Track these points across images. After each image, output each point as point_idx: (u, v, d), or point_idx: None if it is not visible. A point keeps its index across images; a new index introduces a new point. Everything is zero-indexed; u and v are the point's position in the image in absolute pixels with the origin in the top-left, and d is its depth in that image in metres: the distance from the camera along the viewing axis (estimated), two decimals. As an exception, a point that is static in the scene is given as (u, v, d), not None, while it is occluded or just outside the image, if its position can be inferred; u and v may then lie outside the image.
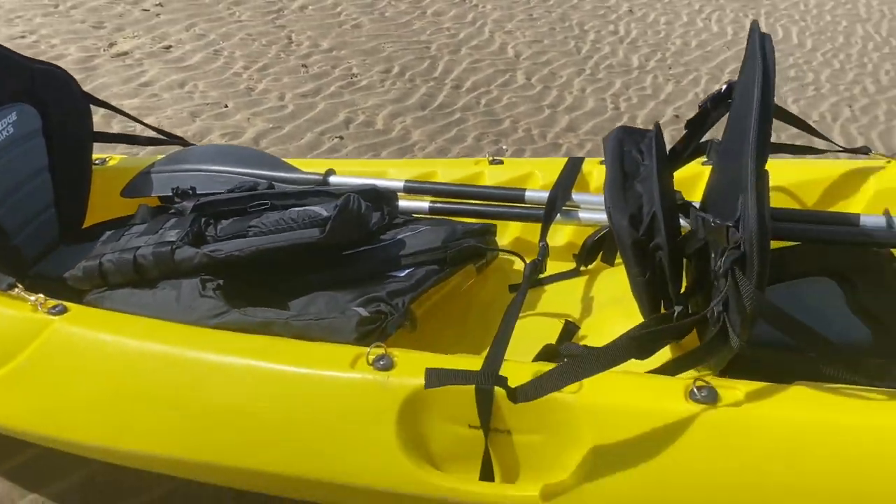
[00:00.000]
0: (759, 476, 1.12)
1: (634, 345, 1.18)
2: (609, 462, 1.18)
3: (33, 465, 2.06)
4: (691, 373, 1.25)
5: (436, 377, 1.25)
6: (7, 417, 1.60)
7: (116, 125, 3.51)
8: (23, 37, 4.53)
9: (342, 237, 1.56)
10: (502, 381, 1.22)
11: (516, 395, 1.20)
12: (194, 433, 1.42)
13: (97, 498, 2.00)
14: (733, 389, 1.16)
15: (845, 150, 1.80)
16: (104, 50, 4.51)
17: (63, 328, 1.51)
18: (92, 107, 2.23)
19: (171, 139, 2.39)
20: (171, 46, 4.68)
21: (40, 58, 2.22)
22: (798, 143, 1.90)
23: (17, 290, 1.58)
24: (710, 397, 1.14)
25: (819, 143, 2.03)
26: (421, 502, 1.31)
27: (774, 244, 1.62)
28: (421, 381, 1.25)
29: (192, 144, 2.32)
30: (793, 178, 1.77)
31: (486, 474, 1.26)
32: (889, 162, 1.77)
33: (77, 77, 2.20)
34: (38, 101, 2.04)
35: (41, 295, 1.57)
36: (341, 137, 3.85)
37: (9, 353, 1.54)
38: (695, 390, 1.16)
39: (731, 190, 1.25)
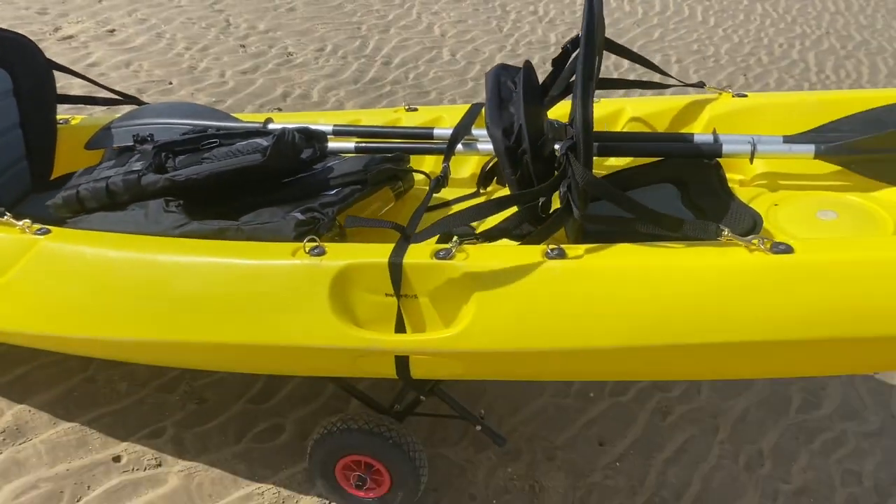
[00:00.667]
0: (593, 306, 1.51)
1: (500, 201, 1.59)
2: (490, 308, 1.57)
3: (21, 381, 2.38)
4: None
5: (354, 221, 1.66)
6: (3, 322, 1.92)
7: (77, 90, 3.77)
8: (-32, 23, 4.73)
9: (280, 161, 1.91)
10: (404, 247, 1.60)
11: (411, 238, 1.59)
12: (162, 318, 1.76)
13: (76, 406, 2.32)
14: (576, 249, 1.56)
15: (685, 85, 2.23)
16: (50, 34, 4.74)
17: (48, 245, 1.83)
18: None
19: (127, 99, 2.70)
20: (114, 30, 4.92)
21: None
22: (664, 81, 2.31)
23: (6, 216, 1.89)
24: (559, 254, 1.54)
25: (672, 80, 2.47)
26: (352, 354, 1.68)
27: (635, 161, 2.06)
28: (348, 262, 1.62)
29: (147, 104, 2.63)
30: (648, 110, 2.20)
31: (400, 328, 1.63)
32: (720, 94, 2.20)
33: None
34: (7, 64, 2.33)
35: (27, 220, 1.88)
36: (280, 109, 4.17)
37: (1, 269, 1.86)
38: (549, 251, 1.55)
39: None
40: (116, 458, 2.17)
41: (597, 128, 2.14)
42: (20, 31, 2.41)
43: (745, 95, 2.16)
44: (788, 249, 1.42)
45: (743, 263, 1.43)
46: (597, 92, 1.79)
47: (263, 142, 1.92)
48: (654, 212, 1.49)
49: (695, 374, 1.86)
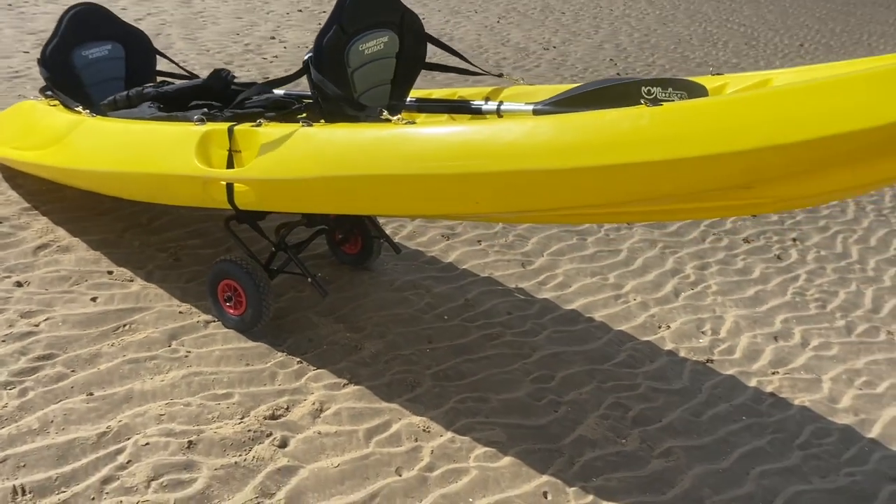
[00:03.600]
0: (318, 154, 2.52)
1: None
2: (265, 154, 2.62)
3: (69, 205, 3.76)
4: None
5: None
6: (63, 162, 3.28)
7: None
8: None
9: (214, 84, 3.13)
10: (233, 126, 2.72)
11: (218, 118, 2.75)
12: (120, 158, 3.01)
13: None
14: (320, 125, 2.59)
15: (490, 74, 3.16)
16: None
17: (91, 121, 3.20)
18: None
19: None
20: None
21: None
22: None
23: (78, 107, 3.31)
24: (309, 126, 2.58)
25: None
26: (200, 182, 2.79)
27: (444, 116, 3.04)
28: (210, 128, 2.77)
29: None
30: (471, 92, 3.15)
31: (230, 165, 2.73)
32: (516, 82, 3.10)
33: None
34: (400, 33, 3.00)
35: (85, 109, 3.28)
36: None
37: (66, 131, 3.25)
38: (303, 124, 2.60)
39: None
40: (109, 272, 3.43)
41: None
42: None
43: (534, 84, 3.04)
44: (413, 123, 2.35)
45: (387, 130, 2.39)
46: (423, 73, 2.83)
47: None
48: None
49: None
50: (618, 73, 8.10)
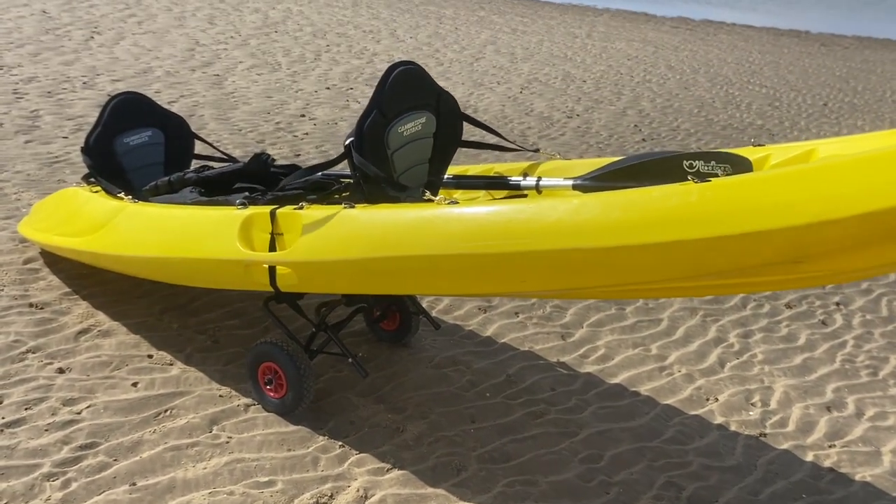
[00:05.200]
0: (358, 236, 2.52)
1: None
2: (307, 238, 2.62)
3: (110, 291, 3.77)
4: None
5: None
6: (106, 248, 3.31)
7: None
8: None
9: (254, 167, 3.17)
10: (275, 210, 2.74)
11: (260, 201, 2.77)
12: (162, 243, 3.03)
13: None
14: (362, 207, 2.58)
15: (526, 150, 3.16)
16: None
17: (133, 207, 3.24)
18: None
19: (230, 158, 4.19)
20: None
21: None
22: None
23: (119, 193, 3.36)
24: (353, 207, 2.58)
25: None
26: (242, 265, 2.79)
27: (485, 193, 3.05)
28: (253, 212, 2.79)
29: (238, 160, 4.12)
30: (507, 167, 3.16)
31: (272, 248, 2.74)
32: (551, 157, 3.10)
33: None
34: (437, 113, 2.99)
35: (127, 195, 3.33)
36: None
37: (109, 217, 3.29)
38: (345, 206, 2.60)
39: None
40: (150, 356, 3.42)
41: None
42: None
43: (570, 159, 3.05)
44: (456, 203, 2.35)
45: (429, 210, 2.38)
46: (460, 150, 2.85)
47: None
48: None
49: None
50: (643, 140, 8.14)
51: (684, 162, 2.50)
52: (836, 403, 3.62)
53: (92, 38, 9.96)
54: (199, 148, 4.27)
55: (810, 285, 2.28)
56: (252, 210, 2.83)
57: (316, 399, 3.19)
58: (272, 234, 2.74)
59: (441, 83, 9.62)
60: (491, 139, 6.12)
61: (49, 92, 7.31)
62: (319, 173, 3.44)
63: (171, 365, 3.36)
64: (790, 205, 1.90)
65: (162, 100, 7.41)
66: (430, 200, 2.43)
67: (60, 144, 5.99)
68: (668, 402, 3.48)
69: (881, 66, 16.52)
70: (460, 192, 3.21)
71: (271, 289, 2.81)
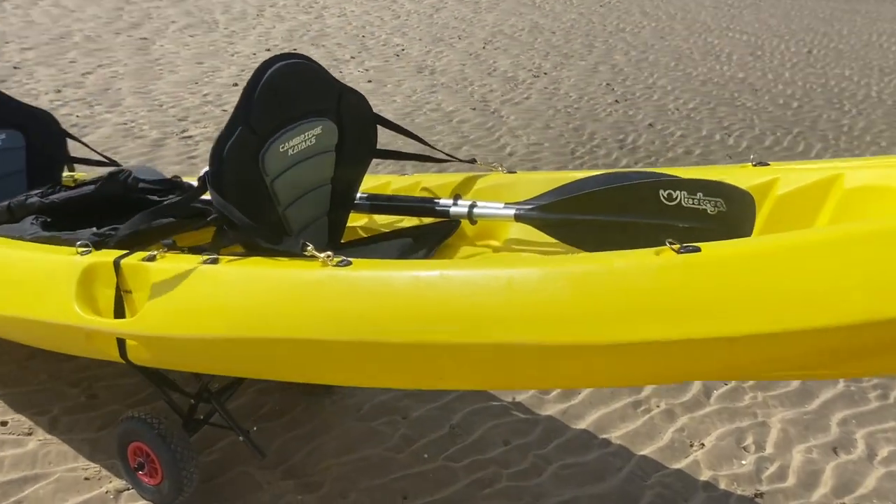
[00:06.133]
0: (220, 305, 1.83)
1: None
2: (159, 301, 1.94)
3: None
4: None
5: None
6: None
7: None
8: None
9: (109, 190, 2.46)
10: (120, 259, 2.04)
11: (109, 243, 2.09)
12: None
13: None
14: (225, 258, 1.91)
15: (460, 160, 2.48)
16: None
17: None
18: None
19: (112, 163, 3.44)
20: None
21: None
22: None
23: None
24: (214, 261, 1.90)
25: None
26: (81, 333, 2.12)
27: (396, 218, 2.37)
28: (93, 260, 2.10)
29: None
30: (437, 182, 2.47)
31: (120, 316, 2.05)
32: (492, 169, 2.42)
33: None
34: (339, 120, 2.28)
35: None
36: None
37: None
38: (205, 259, 1.92)
39: None
40: (3, 423, 2.75)
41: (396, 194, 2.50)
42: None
43: (515, 172, 2.37)
44: (348, 263, 1.68)
45: (310, 274, 1.71)
46: (384, 162, 2.16)
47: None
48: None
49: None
50: (616, 101, 7.43)
51: (661, 192, 1.84)
52: (842, 442, 3.04)
53: (6, -2, 8.98)
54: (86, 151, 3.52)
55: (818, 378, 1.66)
56: (95, 257, 2.13)
57: (208, 477, 2.55)
58: (118, 290, 2.05)
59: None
60: (415, 148, 4.97)
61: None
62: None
63: (30, 435, 2.69)
64: (823, 293, 1.25)
65: (77, 70, 6.58)
66: (312, 257, 1.75)
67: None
68: (645, 451, 2.88)
69: (865, 4, 15.80)
70: (378, 217, 2.53)
71: (122, 361, 2.15)
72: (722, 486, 2.75)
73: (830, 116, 7.43)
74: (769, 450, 2.95)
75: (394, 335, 1.55)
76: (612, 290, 1.37)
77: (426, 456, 2.75)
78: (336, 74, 7.53)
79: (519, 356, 1.46)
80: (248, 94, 1.96)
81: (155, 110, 5.93)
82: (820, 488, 2.79)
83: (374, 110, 2.42)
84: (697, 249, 1.34)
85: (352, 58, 8.27)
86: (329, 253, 1.72)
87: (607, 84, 8.06)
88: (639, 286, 1.36)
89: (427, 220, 2.38)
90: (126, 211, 2.51)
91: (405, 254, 2.14)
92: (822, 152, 6.42)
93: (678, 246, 1.36)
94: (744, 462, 2.87)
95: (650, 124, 6.83)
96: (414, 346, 1.55)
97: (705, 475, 2.79)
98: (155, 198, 2.63)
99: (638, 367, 1.42)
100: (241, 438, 2.36)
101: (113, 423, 2.74)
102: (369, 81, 7.35)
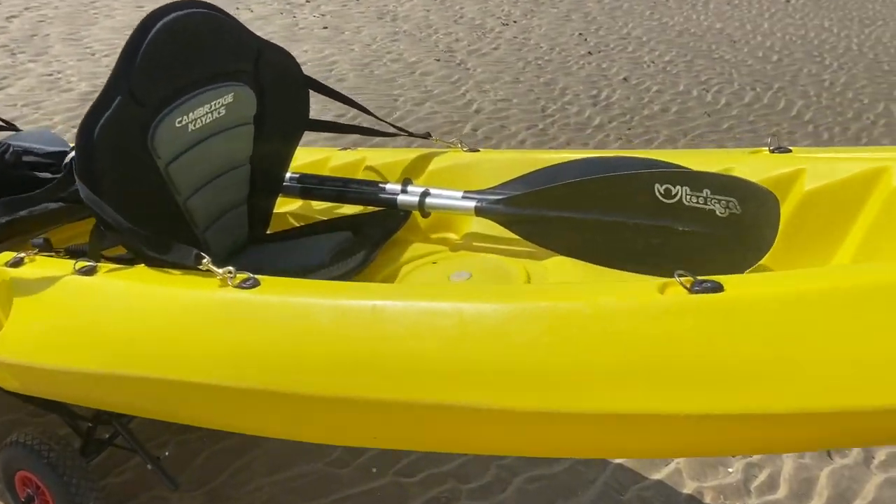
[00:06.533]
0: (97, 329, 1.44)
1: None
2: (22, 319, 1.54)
3: None
4: None
5: None
6: None
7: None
8: None
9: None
10: None
11: None
12: None
13: None
14: (107, 267, 1.50)
15: (411, 135, 2.07)
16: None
17: None
18: None
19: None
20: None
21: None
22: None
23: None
24: (88, 271, 1.49)
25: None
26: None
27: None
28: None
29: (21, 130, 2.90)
30: (383, 160, 2.06)
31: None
32: (451, 146, 2.02)
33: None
34: (258, 84, 1.85)
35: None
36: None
37: None
38: (79, 268, 1.51)
39: None
40: None
41: (334, 174, 2.08)
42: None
43: (478, 150, 1.97)
44: (255, 283, 1.29)
45: (205, 296, 1.31)
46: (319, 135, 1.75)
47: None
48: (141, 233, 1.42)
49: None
50: (589, 53, 6.98)
51: (657, 186, 1.46)
52: (837, 443, 2.76)
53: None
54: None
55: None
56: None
57: (116, 503, 2.18)
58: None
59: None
60: (361, 118, 4.34)
61: None
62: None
63: None
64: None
65: (1, 13, 5.96)
66: (209, 273, 1.35)
67: None
68: (621, 460, 2.57)
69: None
70: (312, 204, 2.11)
71: (-9, 386, 1.75)
72: (707, 499, 2.45)
73: (811, 70, 7.08)
74: (757, 456, 2.66)
75: (307, 385, 1.17)
76: (597, 340, 1.00)
77: (374, 471, 2.40)
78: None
79: (470, 420, 1.10)
80: (130, 54, 1.52)
81: (86, 59, 5.37)
82: (815, 499, 2.51)
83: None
84: (719, 288, 0.97)
85: (307, 1, 7.69)
86: (230, 269, 1.32)
87: (580, 34, 7.60)
88: (635, 335, 0.99)
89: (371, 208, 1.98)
90: (4, 192, 2.08)
91: (341, 255, 1.75)
92: (803, 109, 6.09)
93: (691, 280, 0.99)
94: (730, 470, 2.57)
95: (625, 78, 6.41)
96: (334, 401, 1.17)
97: (688, 487, 2.49)
98: (46, 174, 2.19)
99: (634, 441, 1.06)
100: (149, 466, 1.99)
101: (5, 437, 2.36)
102: (325, 28, 6.82)
